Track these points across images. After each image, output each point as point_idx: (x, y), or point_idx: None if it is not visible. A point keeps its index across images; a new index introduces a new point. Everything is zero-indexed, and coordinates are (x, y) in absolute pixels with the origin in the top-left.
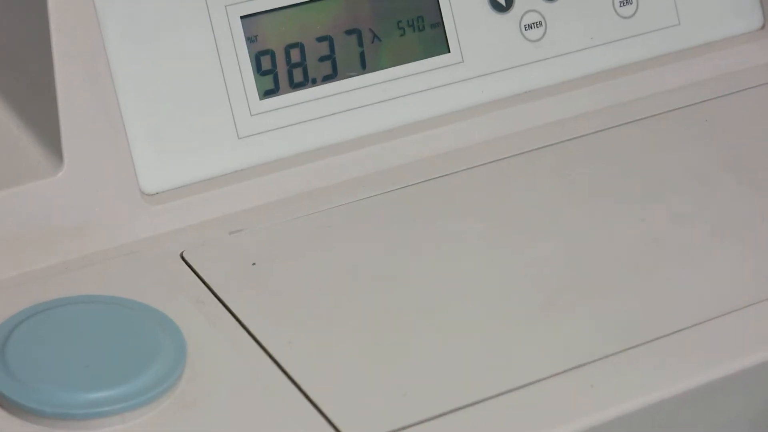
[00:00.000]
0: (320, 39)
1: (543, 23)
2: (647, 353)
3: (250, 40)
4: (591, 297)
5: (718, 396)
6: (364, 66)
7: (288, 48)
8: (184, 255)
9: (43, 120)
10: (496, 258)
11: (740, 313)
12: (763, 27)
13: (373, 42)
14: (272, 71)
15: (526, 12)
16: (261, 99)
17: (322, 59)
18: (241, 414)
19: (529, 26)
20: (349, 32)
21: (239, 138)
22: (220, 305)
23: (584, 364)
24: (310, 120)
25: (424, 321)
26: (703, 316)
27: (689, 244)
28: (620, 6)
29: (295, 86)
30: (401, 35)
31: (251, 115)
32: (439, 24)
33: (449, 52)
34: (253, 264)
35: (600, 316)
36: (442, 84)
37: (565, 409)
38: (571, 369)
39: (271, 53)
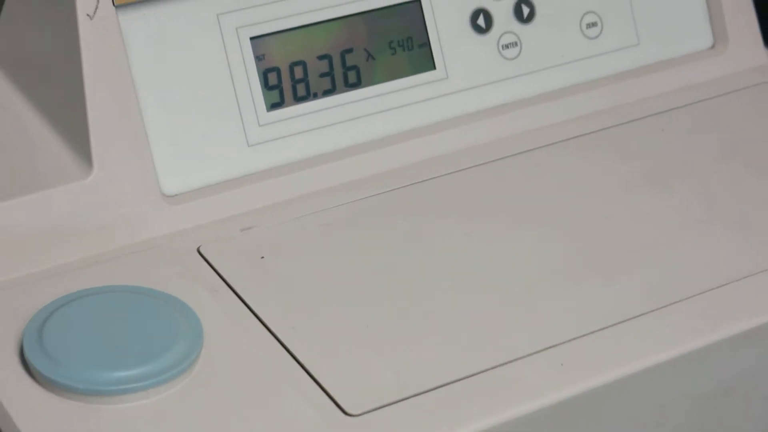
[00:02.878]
0: (321, 57)
1: (518, 43)
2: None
3: (259, 58)
4: (574, 280)
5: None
6: (359, 81)
7: (292, 65)
8: (201, 249)
9: (74, 130)
10: (484, 248)
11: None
12: (713, 46)
13: (367, 60)
14: (278, 86)
15: (504, 33)
16: (268, 111)
17: (322, 75)
18: (250, 390)
19: (506, 46)
20: (346, 51)
21: (249, 145)
22: (233, 294)
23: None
24: (312, 129)
25: (417, 306)
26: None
27: (645, 240)
28: (587, 28)
29: (298, 99)
30: (392, 54)
31: (259, 125)
32: (426, 44)
33: (435, 69)
34: (262, 257)
35: (573, 301)
36: (429, 97)
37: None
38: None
39: (277, 70)
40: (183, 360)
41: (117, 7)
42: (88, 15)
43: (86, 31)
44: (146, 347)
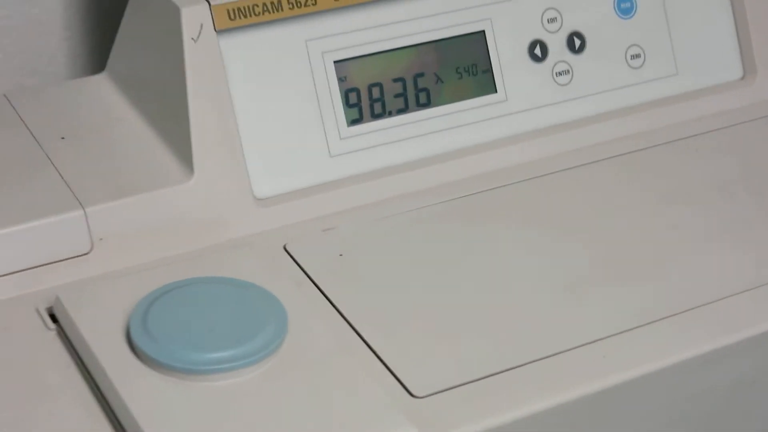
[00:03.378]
0: (395, 80)
1: (570, 71)
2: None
3: (341, 79)
4: (609, 285)
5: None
6: (429, 102)
7: (370, 86)
8: (287, 247)
9: (178, 139)
10: (534, 252)
11: (722, 302)
12: (743, 77)
13: (436, 83)
14: (357, 104)
15: (557, 62)
16: (348, 126)
17: (396, 96)
18: (328, 372)
19: (559, 73)
20: (418, 75)
21: (331, 156)
22: (314, 286)
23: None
24: (387, 143)
25: (476, 300)
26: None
27: (686, 244)
28: (631, 59)
29: (375, 116)
30: (459, 78)
31: (341, 138)
32: (489, 70)
33: (496, 92)
34: (340, 255)
35: (615, 300)
36: (490, 117)
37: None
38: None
39: (357, 90)
40: (270, 344)
41: (218, 32)
42: (192, 39)
43: (191, 53)
44: (237, 332)
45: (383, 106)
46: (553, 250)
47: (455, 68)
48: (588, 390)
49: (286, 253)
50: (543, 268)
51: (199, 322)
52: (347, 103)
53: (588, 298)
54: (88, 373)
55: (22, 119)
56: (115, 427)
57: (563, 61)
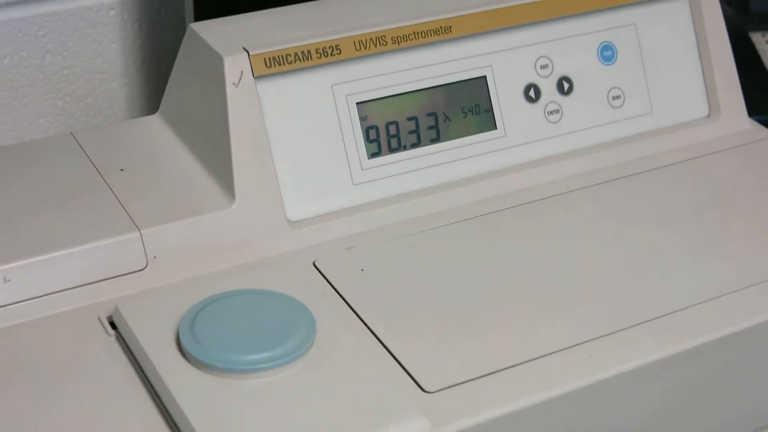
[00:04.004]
0: (409, 119)
1: (560, 111)
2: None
3: (362, 118)
4: (595, 294)
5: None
6: (438, 137)
7: (388, 124)
8: (315, 263)
9: (221, 171)
10: (532, 266)
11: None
12: (708, 115)
13: (444, 121)
14: (377, 140)
15: (549, 103)
16: (369, 158)
17: (410, 132)
18: (350, 371)
19: (551, 112)
20: (429, 114)
21: (354, 184)
22: (339, 297)
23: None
24: (402, 173)
25: (482, 308)
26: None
27: (660, 258)
28: (612, 100)
29: (392, 150)
30: (464, 117)
31: (362, 169)
32: (490, 110)
33: (496, 129)
34: (362, 270)
35: (598, 308)
36: (491, 150)
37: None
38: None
39: (376, 128)
40: (300, 347)
41: (256, 77)
42: (234, 84)
43: (232, 96)
44: (272, 336)
45: (399, 141)
46: (547, 264)
47: (461, 108)
48: (577, 385)
49: (315, 269)
50: (539, 279)
51: (239, 328)
52: (368, 139)
53: (577, 306)
54: (143, 373)
55: (86, 154)
56: (166, 419)
57: (554, 102)
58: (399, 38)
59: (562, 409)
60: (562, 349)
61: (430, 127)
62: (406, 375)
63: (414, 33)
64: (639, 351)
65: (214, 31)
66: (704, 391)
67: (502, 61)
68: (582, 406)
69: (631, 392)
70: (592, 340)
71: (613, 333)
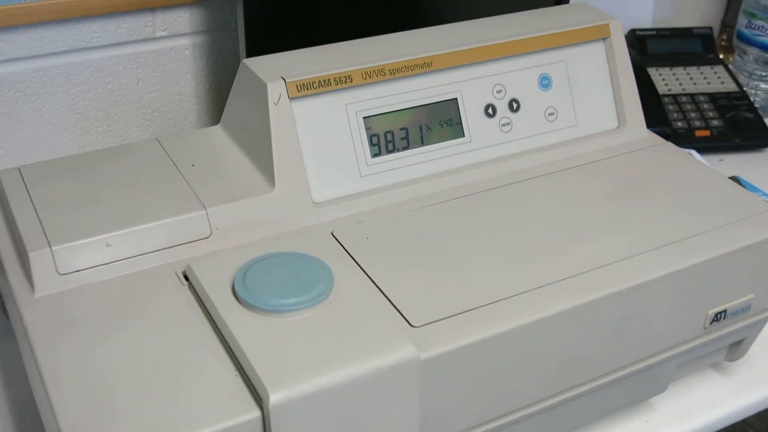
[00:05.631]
0: (401, 128)
1: (510, 124)
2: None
3: (367, 128)
4: (538, 255)
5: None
6: (422, 142)
7: (386, 132)
8: (333, 233)
9: (265, 166)
10: (490, 233)
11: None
12: (618, 127)
13: (427, 131)
14: (378, 144)
15: (502, 118)
16: (372, 157)
17: (402, 138)
18: (357, 311)
19: (503, 125)
20: (415, 125)
21: (361, 176)
22: (350, 257)
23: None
24: (396, 168)
25: (458, 262)
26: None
27: (582, 233)
28: (548, 116)
29: (389, 152)
30: (441, 128)
31: (367, 165)
32: (460, 123)
33: (464, 137)
34: (367, 238)
35: (537, 266)
36: (461, 152)
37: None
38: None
39: (378, 135)
40: (321, 294)
41: (290, 99)
42: (274, 103)
43: (273, 111)
44: (301, 286)
45: (394, 145)
46: (505, 232)
47: (438, 121)
48: (528, 320)
49: (332, 237)
50: (499, 243)
51: (277, 279)
52: (371, 143)
53: (527, 262)
54: (207, 312)
55: (167, 153)
56: (224, 346)
57: (506, 117)
58: (394, 70)
59: (517, 339)
60: (518, 293)
61: (416, 135)
62: (398, 314)
63: (405, 66)
64: (571, 295)
65: (260, 65)
66: (619, 327)
67: (469, 88)
68: (532, 337)
69: (562, 327)
70: (542, 287)
71: (552, 283)
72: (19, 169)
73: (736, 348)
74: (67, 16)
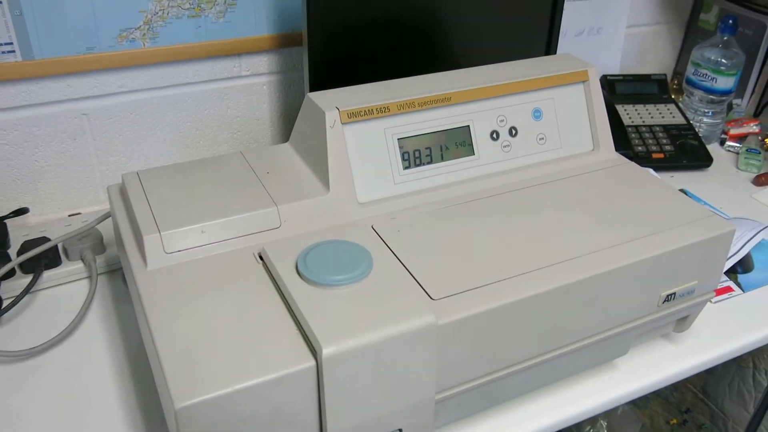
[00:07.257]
0: (426, 148)
1: (510, 146)
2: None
3: (401, 147)
4: (531, 244)
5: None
6: (442, 159)
7: (415, 150)
8: (373, 226)
9: (322, 174)
10: (500, 226)
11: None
12: (593, 149)
13: (446, 150)
14: (408, 159)
15: (504, 140)
16: (403, 169)
17: (426, 155)
18: (390, 286)
19: (505, 146)
20: (436, 146)
21: (395, 183)
22: (385, 245)
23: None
24: (422, 178)
25: (475, 248)
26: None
27: (564, 230)
28: (539, 140)
29: (417, 165)
30: (456, 148)
31: (399, 174)
32: (471, 144)
33: (474, 155)
34: (398, 231)
35: (531, 253)
36: (471, 167)
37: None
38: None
39: (408, 152)
40: (364, 272)
41: (343, 124)
42: (330, 127)
43: (329, 133)
44: (349, 265)
45: (420, 160)
46: (506, 228)
47: (455, 143)
48: (530, 294)
49: (372, 230)
50: (503, 236)
51: (331, 260)
52: (403, 158)
53: (525, 250)
54: (276, 286)
55: (248, 163)
56: (290, 313)
57: (507, 140)
58: (422, 103)
59: (514, 311)
60: (515, 275)
61: (437, 153)
62: (421, 289)
63: (430, 100)
64: (556, 278)
65: (320, 98)
66: (591, 303)
67: (478, 117)
68: (525, 310)
69: (548, 302)
70: (533, 270)
71: (541, 268)
72: (137, 173)
73: (682, 322)
74: (175, 59)
